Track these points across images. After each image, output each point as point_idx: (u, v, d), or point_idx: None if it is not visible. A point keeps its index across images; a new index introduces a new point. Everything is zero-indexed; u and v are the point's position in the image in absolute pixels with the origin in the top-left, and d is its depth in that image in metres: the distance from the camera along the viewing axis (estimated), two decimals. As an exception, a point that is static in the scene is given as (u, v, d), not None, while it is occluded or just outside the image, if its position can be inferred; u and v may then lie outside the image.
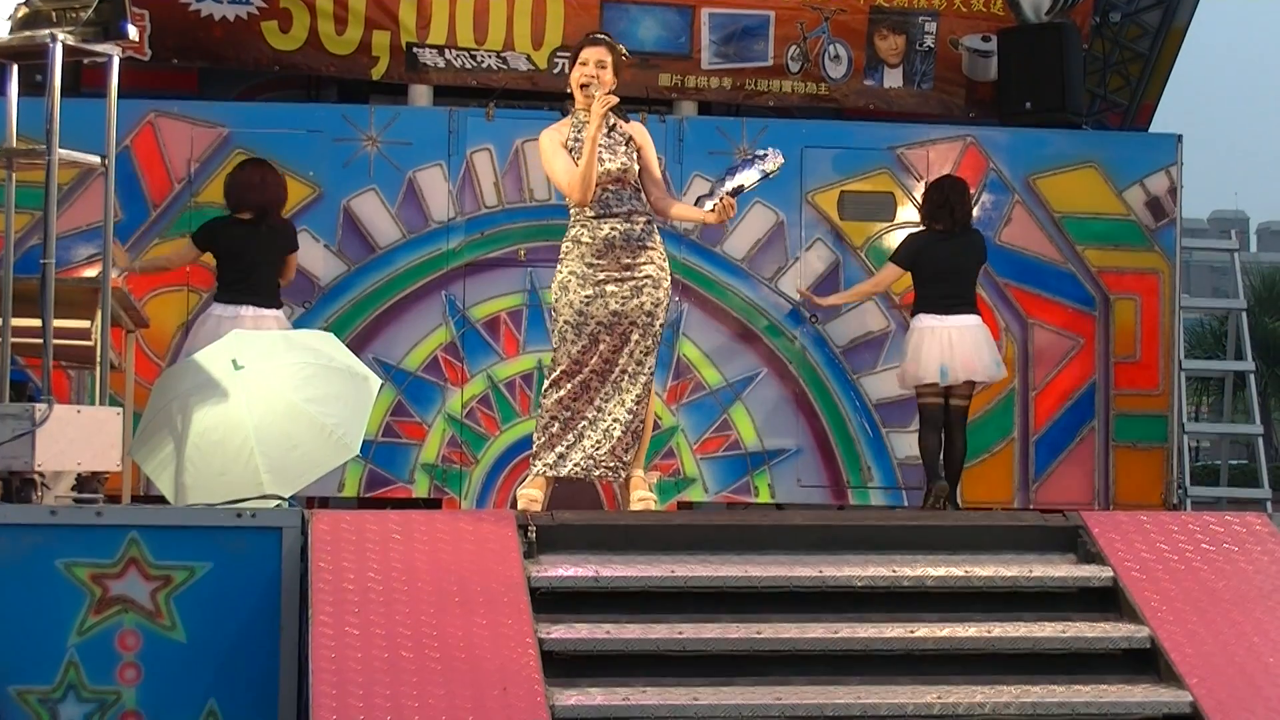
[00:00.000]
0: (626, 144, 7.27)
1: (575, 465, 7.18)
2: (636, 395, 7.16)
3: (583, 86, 7.24)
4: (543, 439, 7.25)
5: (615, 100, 7.19)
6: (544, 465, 7.21)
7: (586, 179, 7.12)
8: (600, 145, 7.17)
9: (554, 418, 7.20)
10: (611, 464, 7.18)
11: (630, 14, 10.35)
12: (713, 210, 7.28)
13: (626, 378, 7.14)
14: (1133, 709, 5.66)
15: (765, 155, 7.38)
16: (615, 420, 7.16)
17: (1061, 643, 5.90)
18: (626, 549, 6.11)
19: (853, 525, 6.58)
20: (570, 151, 7.22)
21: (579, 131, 7.25)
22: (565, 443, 7.20)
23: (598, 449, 7.16)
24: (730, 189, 7.27)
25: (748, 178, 7.32)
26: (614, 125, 7.30)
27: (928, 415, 8.94)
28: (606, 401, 7.15)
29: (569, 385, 7.18)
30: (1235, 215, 66.97)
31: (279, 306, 8.69)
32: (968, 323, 8.89)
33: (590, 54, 7.28)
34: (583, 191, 7.13)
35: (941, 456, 8.93)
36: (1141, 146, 10.31)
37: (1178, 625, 5.89)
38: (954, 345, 8.83)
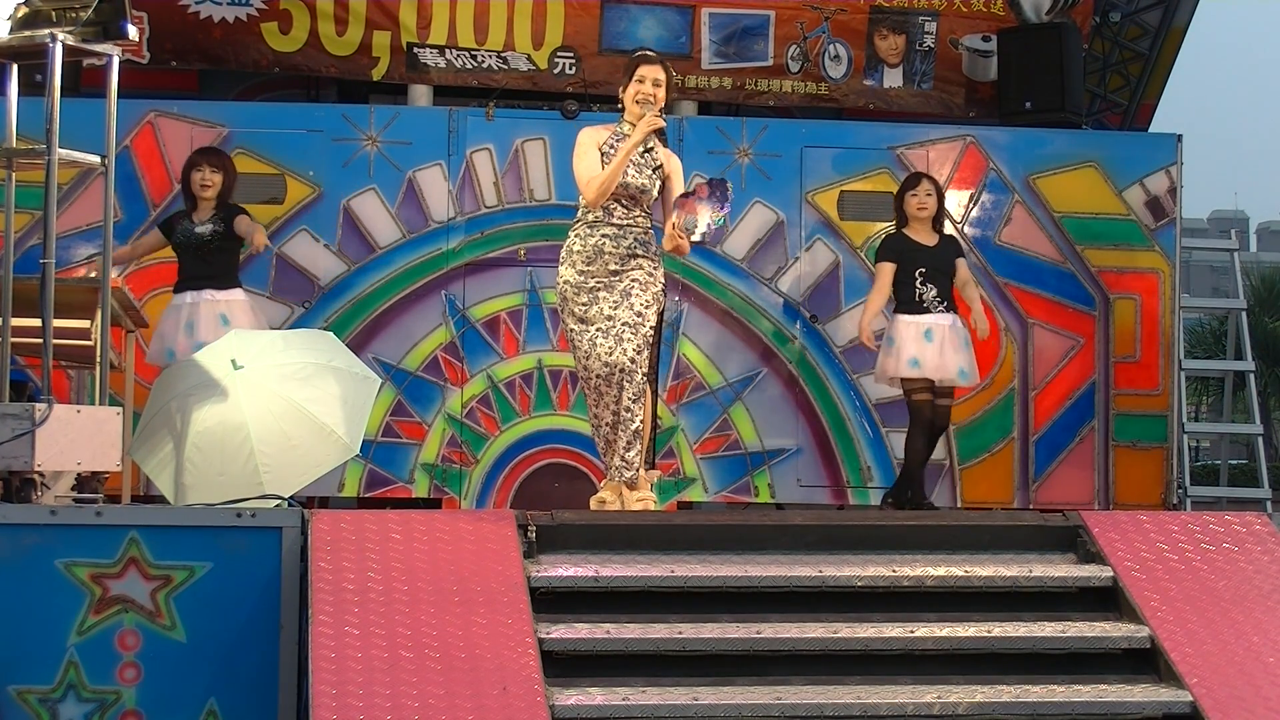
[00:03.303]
0: (655, 169, 7.36)
1: (611, 470, 7.31)
2: (633, 394, 7.20)
3: (638, 103, 7.32)
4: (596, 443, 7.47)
5: (663, 124, 7.32)
6: (611, 472, 7.37)
7: (605, 184, 7.21)
8: (630, 160, 7.25)
9: (591, 424, 7.38)
10: (617, 463, 7.25)
11: (631, 14, 10.36)
12: (673, 242, 7.25)
13: (625, 377, 7.18)
14: (1132, 709, 5.66)
15: (725, 189, 7.32)
16: (622, 421, 7.20)
17: (1061, 642, 5.89)
18: (626, 549, 6.11)
19: (852, 525, 6.58)
20: (604, 155, 7.29)
21: (617, 140, 7.36)
22: (600, 448, 7.36)
23: (614, 450, 7.23)
24: (686, 228, 7.24)
25: (703, 220, 7.27)
26: (651, 147, 7.38)
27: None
28: (615, 403, 7.20)
29: (589, 392, 7.31)
30: (1235, 215, 66.82)
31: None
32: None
33: (648, 72, 7.39)
34: (596, 194, 7.22)
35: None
36: (1141, 146, 10.31)
37: (1177, 625, 5.88)
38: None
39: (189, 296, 8.43)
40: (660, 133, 7.40)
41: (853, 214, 9.89)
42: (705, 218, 7.25)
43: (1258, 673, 5.71)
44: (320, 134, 9.56)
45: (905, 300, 8.78)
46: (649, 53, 7.71)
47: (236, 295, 8.50)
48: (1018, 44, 10.45)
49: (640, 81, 7.36)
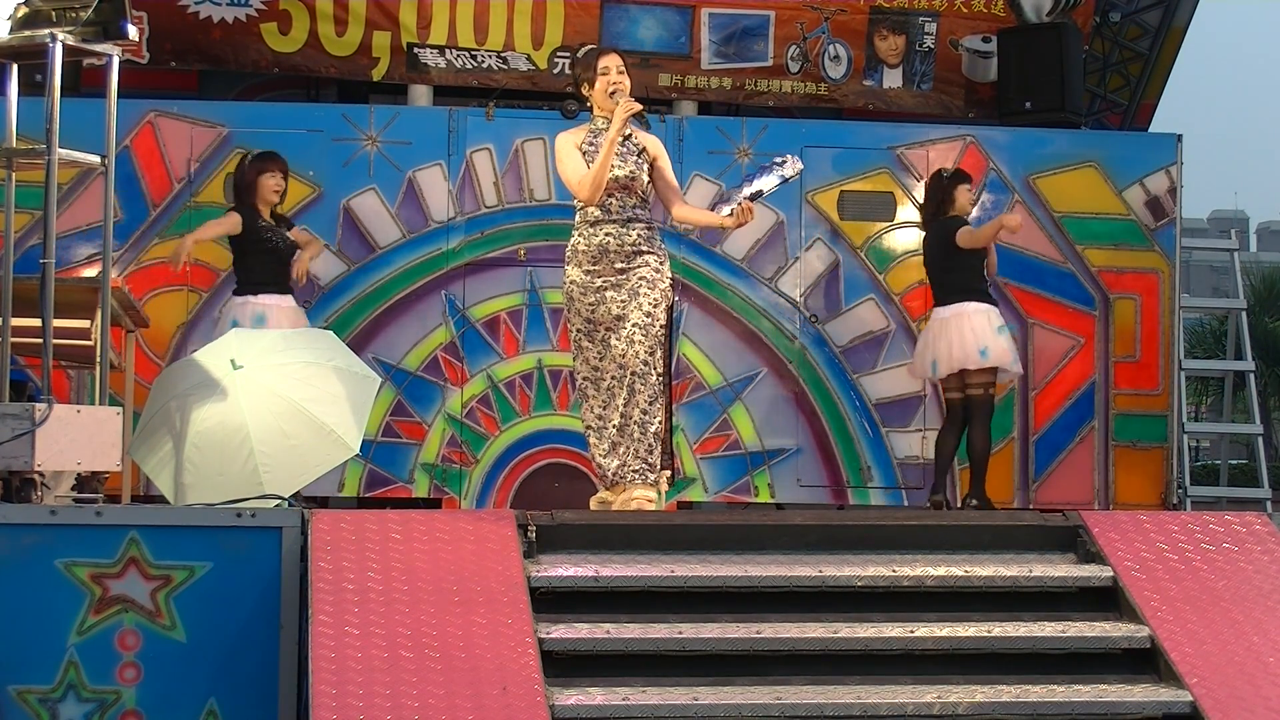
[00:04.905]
0: (639, 154, 7.29)
1: (614, 473, 7.23)
2: (649, 395, 7.17)
3: (611, 94, 7.26)
4: (591, 446, 7.34)
5: (639, 107, 7.23)
6: (603, 475, 7.31)
7: (598, 179, 7.15)
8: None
9: (589, 427, 7.29)
10: (637, 467, 7.18)
11: (630, 14, 10.36)
12: (730, 215, 7.25)
13: (638, 379, 7.15)
14: (1132, 709, 5.66)
15: (784, 161, 7.32)
16: (635, 423, 7.17)
17: (1061, 642, 5.89)
18: (626, 549, 6.10)
19: (852, 525, 6.57)
20: (585, 155, 7.25)
21: (595, 137, 7.30)
22: (600, 451, 7.26)
23: (626, 454, 7.18)
24: (749, 194, 7.24)
25: (766, 183, 7.26)
26: (629, 135, 7.30)
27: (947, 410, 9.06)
28: (625, 405, 7.17)
29: (595, 394, 7.23)
30: (1235, 215, 66.76)
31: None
32: (940, 315, 8.92)
33: (611, 62, 7.33)
34: (591, 191, 7.17)
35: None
36: (1141, 146, 10.32)
37: (1177, 625, 5.88)
38: (935, 338, 8.92)
39: (291, 300, 8.55)
40: (638, 117, 7.29)
41: (853, 214, 9.89)
42: (774, 176, 7.26)
43: (1258, 673, 5.71)
44: (320, 134, 9.57)
45: (979, 289, 8.85)
46: (591, 46, 7.68)
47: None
48: (1018, 44, 10.45)
49: (605, 73, 7.28)
